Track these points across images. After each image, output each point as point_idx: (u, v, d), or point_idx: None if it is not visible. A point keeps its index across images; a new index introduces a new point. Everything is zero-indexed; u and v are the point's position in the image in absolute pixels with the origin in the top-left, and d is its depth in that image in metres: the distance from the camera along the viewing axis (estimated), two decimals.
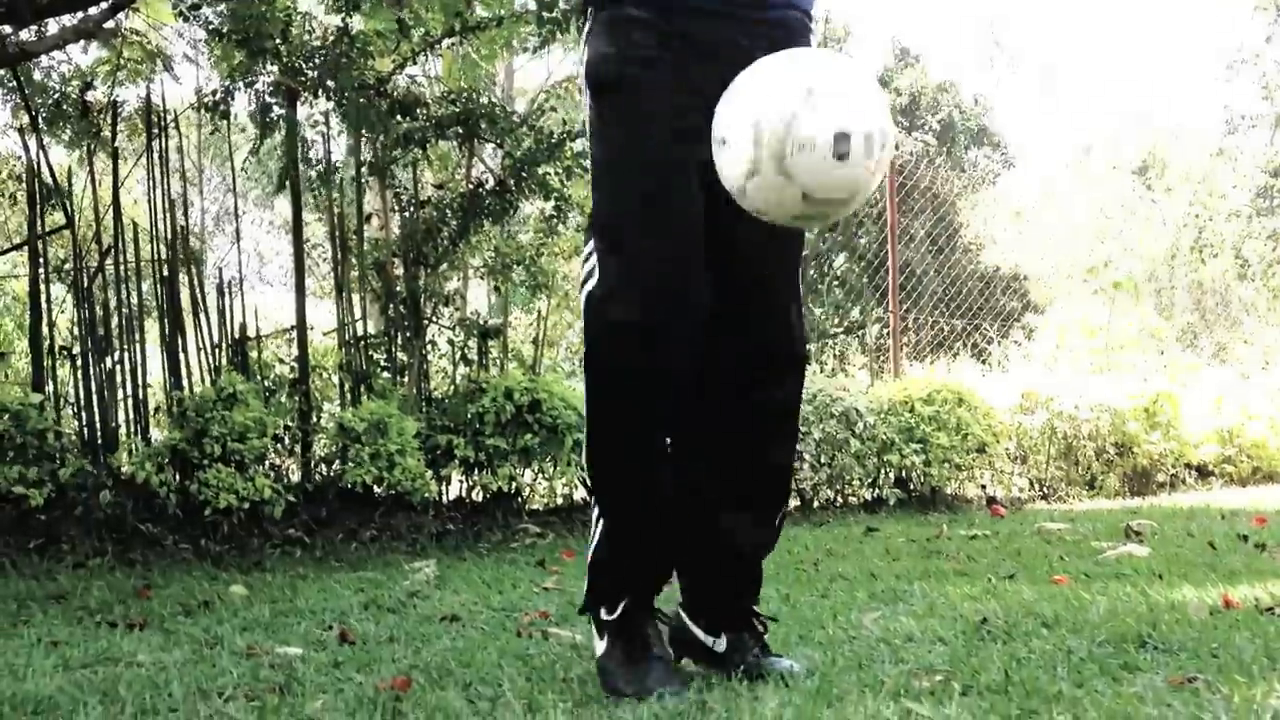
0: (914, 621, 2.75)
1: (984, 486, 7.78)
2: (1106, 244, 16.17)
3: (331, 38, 5.71)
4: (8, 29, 5.08)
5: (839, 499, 6.92)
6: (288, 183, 5.93)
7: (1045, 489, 8.09)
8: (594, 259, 2.19)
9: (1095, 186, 19.10)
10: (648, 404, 2.19)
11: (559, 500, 6.25)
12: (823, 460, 6.67)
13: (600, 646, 2.23)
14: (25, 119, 5.54)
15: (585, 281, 2.20)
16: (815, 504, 6.72)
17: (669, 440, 2.28)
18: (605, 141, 2.23)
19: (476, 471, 5.70)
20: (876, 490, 7.02)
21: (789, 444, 2.37)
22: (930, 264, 12.85)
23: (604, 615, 2.23)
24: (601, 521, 2.27)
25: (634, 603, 2.24)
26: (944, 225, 12.83)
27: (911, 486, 7.15)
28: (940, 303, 11.06)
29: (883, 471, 6.99)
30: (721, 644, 2.27)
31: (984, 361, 10.24)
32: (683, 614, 2.36)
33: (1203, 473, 9.04)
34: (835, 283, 18.26)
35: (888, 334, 9.56)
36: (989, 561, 4.23)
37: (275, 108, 5.81)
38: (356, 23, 5.74)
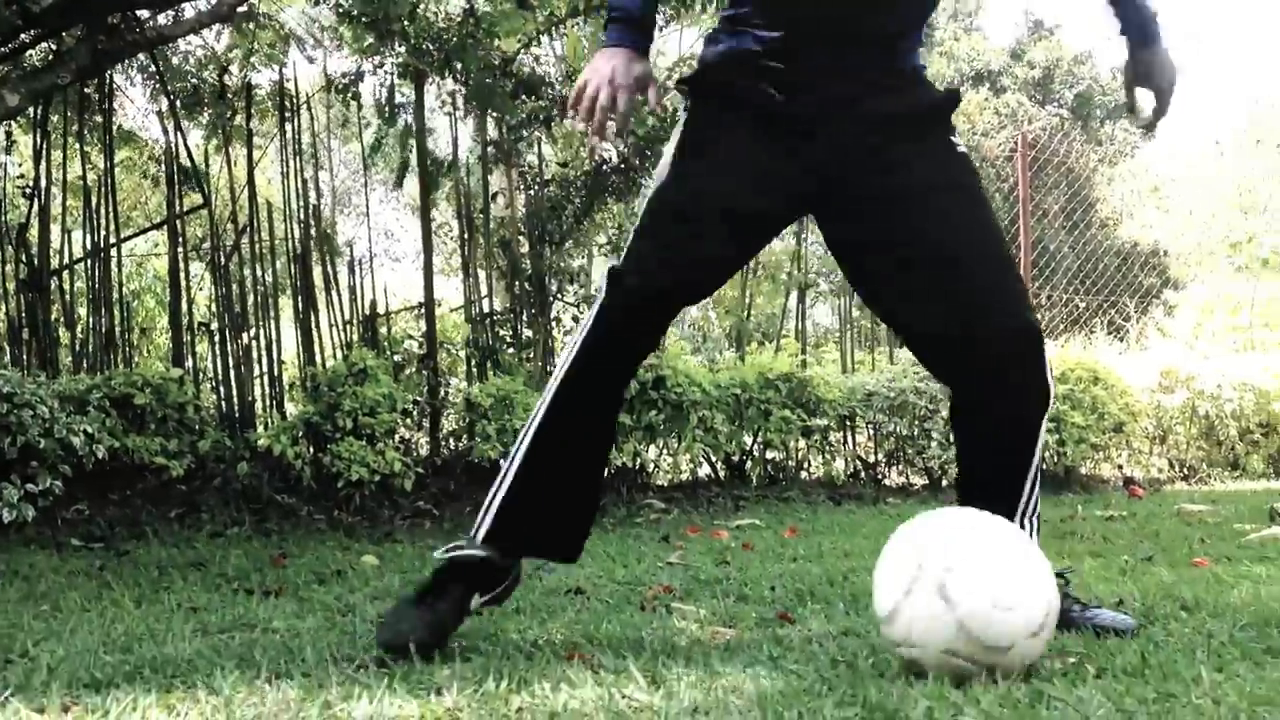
0: None
1: (1121, 467, 7.57)
2: (1251, 218, 15.55)
3: (457, 19, 5.77)
4: (145, 13, 5.22)
5: None
6: (413, 163, 6.02)
7: (1185, 470, 7.84)
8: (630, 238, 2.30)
9: (1240, 159, 18.36)
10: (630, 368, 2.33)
11: (683, 476, 6.25)
12: (953, 439, 6.54)
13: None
14: (164, 104, 5.71)
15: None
16: (944, 483, 6.60)
17: None
18: (679, 142, 2.33)
19: None
20: None
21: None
22: (1064, 240, 12.52)
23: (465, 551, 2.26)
24: (525, 466, 2.27)
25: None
26: (1079, 200, 12.47)
27: (1045, 466, 6.98)
28: (1075, 279, 10.77)
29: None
30: None
31: (1121, 339, 9.95)
32: None
33: None
34: None
35: None
36: (1126, 543, 4.11)
37: (401, 92, 5.90)
38: (481, 3, 5.79)
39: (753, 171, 2.22)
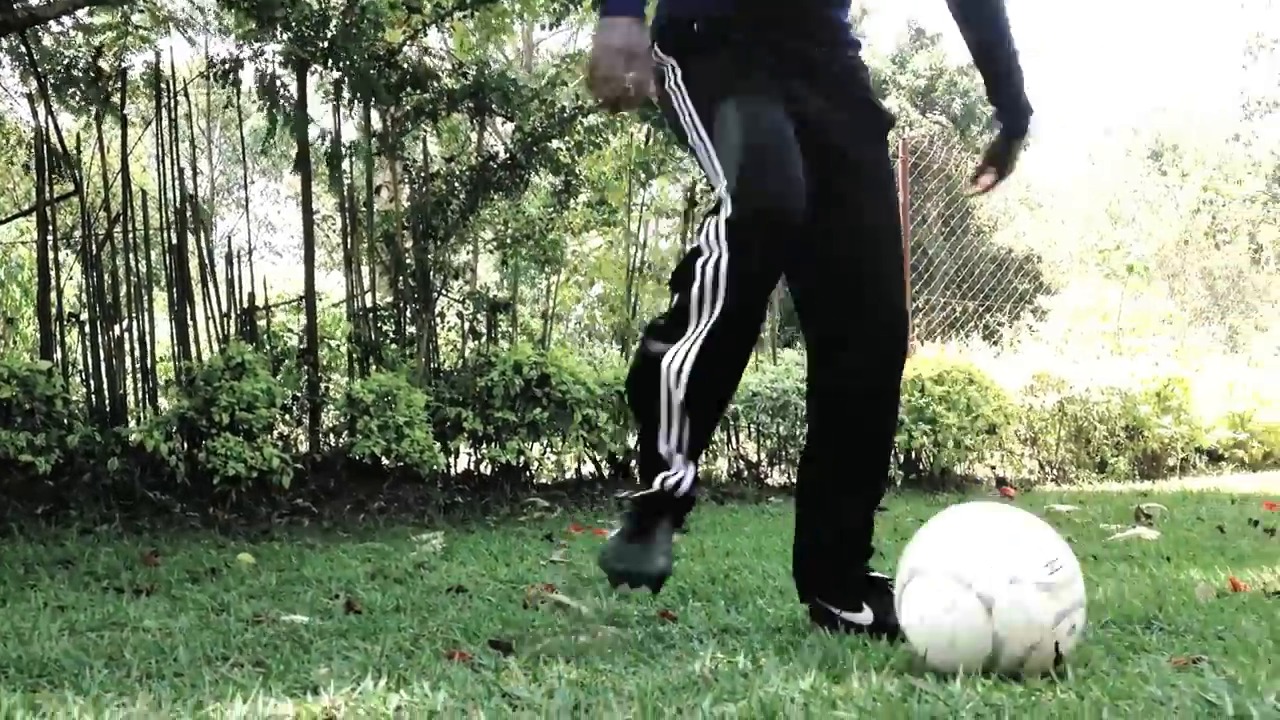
0: None
1: (993, 468, 7.76)
2: (1120, 228, 16.08)
3: (342, 8, 5.67)
4: None
5: None
6: (296, 154, 5.91)
7: (1055, 471, 8.07)
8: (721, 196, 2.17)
9: (1109, 170, 18.98)
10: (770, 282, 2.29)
11: (567, 475, 6.24)
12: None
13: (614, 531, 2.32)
14: (34, 85, 5.52)
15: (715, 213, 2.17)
16: None
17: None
18: (697, 99, 2.27)
19: (485, 444, 5.71)
20: None
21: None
22: (943, 245, 12.80)
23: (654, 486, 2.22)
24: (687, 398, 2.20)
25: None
26: (957, 207, 12.76)
27: (920, 467, 7.13)
28: (952, 284, 11.02)
29: (891, 451, 6.95)
30: (867, 616, 2.33)
31: (995, 343, 10.21)
32: (821, 602, 2.40)
33: (1213, 457, 9.02)
34: None
35: None
36: None
37: (283, 80, 5.77)
38: None
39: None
